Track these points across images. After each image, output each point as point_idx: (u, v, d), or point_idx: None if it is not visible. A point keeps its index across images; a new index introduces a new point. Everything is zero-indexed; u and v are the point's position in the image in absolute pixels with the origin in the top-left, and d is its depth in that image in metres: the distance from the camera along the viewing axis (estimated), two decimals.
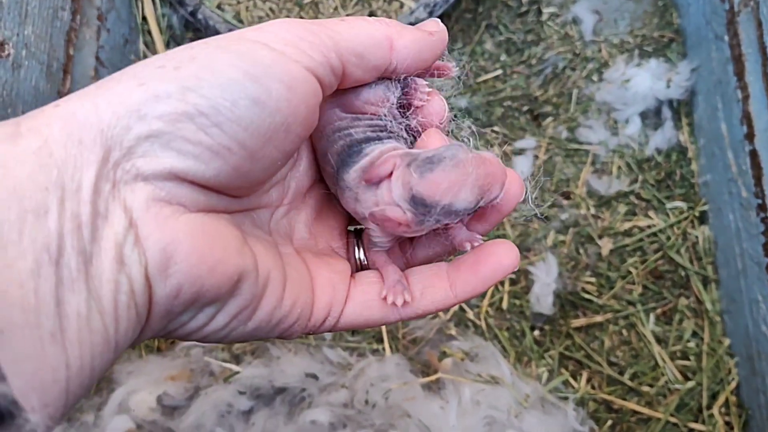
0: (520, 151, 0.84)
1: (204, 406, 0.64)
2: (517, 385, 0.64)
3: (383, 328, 0.72)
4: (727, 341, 0.76)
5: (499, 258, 0.32)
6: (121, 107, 0.26)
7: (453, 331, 0.73)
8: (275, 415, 0.65)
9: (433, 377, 0.64)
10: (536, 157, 0.84)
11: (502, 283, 0.77)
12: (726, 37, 0.74)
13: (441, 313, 0.74)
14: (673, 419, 0.73)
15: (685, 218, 0.81)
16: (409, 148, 0.33)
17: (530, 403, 0.62)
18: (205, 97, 0.27)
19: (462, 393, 0.62)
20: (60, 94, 0.65)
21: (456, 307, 0.75)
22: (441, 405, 0.62)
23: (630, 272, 0.80)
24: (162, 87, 0.26)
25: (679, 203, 0.82)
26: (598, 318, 0.78)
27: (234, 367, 0.66)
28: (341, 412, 0.66)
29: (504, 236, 0.79)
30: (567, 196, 0.82)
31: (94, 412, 0.65)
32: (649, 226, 0.81)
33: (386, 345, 0.71)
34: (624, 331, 0.78)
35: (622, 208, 0.82)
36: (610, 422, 0.73)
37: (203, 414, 0.64)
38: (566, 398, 0.69)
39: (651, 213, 0.82)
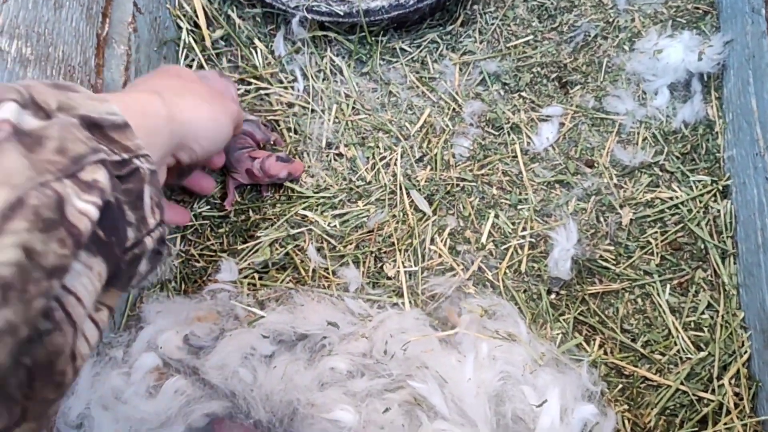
0: (546, 118, 0.84)
1: (228, 348, 0.66)
2: (533, 344, 0.66)
3: (404, 283, 0.74)
4: (741, 314, 0.77)
5: None
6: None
7: (471, 290, 0.74)
8: (296, 360, 0.68)
9: (451, 332, 0.66)
10: (562, 124, 0.84)
11: (521, 247, 0.78)
12: (763, 11, 0.74)
13: (460, 272, 0.75)
14: (683, 387, 0.74)
15: (708, 192, 0.81)
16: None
17: (545, 361, 0.64)
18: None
19: (479, 348, 0.63)
20: (99, 37, 0.66)
21: (475, 267, 0.76)
22: (458, 358, 0.64)
23: (649, 243, 0.80)
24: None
25: (702, 177, 0.82)
26: (614, 286, 0.79)
27: (258, 312, 0.68)
28: (360, 361, 0.68)
29: (526, 200, 0.80)
30: (591, 164, 0.83)
31: (123, 348, 0.67)
32: (671, 198, 0.82)
33: (406, 300, 0.73)
34: (639, 300, 0.79)
35: (645, 179, 0.82)
36: (620, 386, 0.74)
37: (227, 355, 0.66)
38: (579, 360, 0.70)
39: (674, 185, 0.82)
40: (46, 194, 0.32)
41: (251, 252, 0.75)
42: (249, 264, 0.74)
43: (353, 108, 0.83)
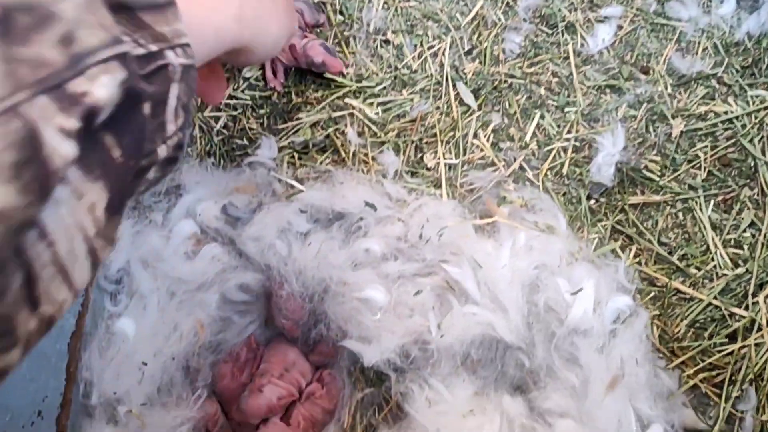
0: (604, 19, 0.81)
1: (266, 220, 0.67)
2: (571, 239, 0.65)
3: (443, 174, 0.73)
4: None
5: None
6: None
7: (511, 187, 0.73)
8: (331, 239, 0.68)
9: (490, 219, 0.65)
10: (620, 27, 0.80)
11: (564, 149, 0.77)
12: None
13: (501, 168, 0.74)
14: (716, 302, 0.74)
15: (765, 108, 0.78)
16: None
17: (582, 255, 0.63)
18: None
19: (517, 237, 0.63)
20: None
21: (516, 165, 0.75)
22: (494, 246, 0.63)
23: (697, 156, 0.78)
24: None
25: (761, 92, 0.79)
26: (656, 198, 0.77)
27: (297, 185, 0.68)
28: (394, 244, 0.68)
29: (574, 103, 0.78)
30: (646, 71, 0.79)
31: (162, 213, 0.68)
32: (725, 112, 0.78)
33: (444, 191, 0.72)
34: (680, 215, 0.77)
35: (701, 91, 0.79)
36: (652, 294, 0.74)
37: (264, 227, 0.67)
38: (614, 263, 0.69)
39: (730, 99, 0.79)
40: (10, 129, 0.25)
41: (292, 132, 0.75)
42: (289, 143, 0.74)
43: None
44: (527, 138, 0.76)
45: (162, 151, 0.35)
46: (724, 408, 0.71)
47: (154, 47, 0.32)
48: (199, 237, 0.67)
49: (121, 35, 0.30)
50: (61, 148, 0.26)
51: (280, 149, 0.74)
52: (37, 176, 0.25)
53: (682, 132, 0.78)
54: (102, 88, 0.28)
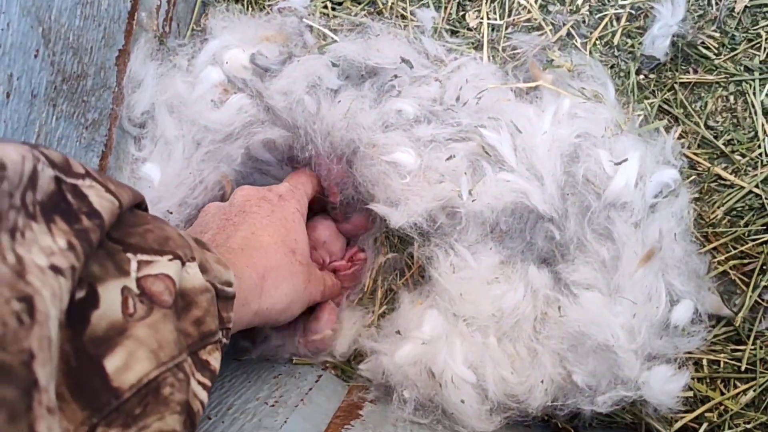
0: None
1: (295, 73, 0.63)
2: (619, 109, 0.61)
3: (485, 35, 0.68)
4: None
5: None
6: None
7: (557, 54, 0.69)
8: (362, 97, 0.65)
9: (533, 83, 0.61)
10: None
11: (618, 18, 0.71)
12: None
13: (548, 32, 0.69)
14: (756, 190, 0.71)
15: None
16: None
17: (628, 127, 0.60)
18: None
19: (561, 104, 0.59)
20: None
21: (564, 31, 0.70)
22: (536, 112, 0.60)
23: (759, 36, 0.72)
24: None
25: None
26: (709, 77, 0.72)
27: (330, 35, 0.63)
28: (429, 106, 0.64)
29: None
30: None
31: (187, 58, 0.65)
32: None
33: (485, 53, 0.68)
34: (731, 98, 0.73)
35: None
36: (692, 178, 0.71)
37: (294, 81, 0.63)
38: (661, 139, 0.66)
39: None
40: (179, 379, 0.35)
41: None
42: None
43: None
44: (579, 1, 0.71)
45: None
46: (750, 296, 0.70)
47: (221, 329, 0.44)
48: (226, 86, 0.64)
49: (220, 324, 0.43)
50: (200, 396, 0.38)
51: None
52: (191, 414, 0.37)
53: (746, 7, 0.72)
54: (215, 361, 0.40)
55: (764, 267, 0.70)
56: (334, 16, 0.68)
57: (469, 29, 0.69)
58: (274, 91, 0.64)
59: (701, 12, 0.72)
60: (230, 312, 0.45)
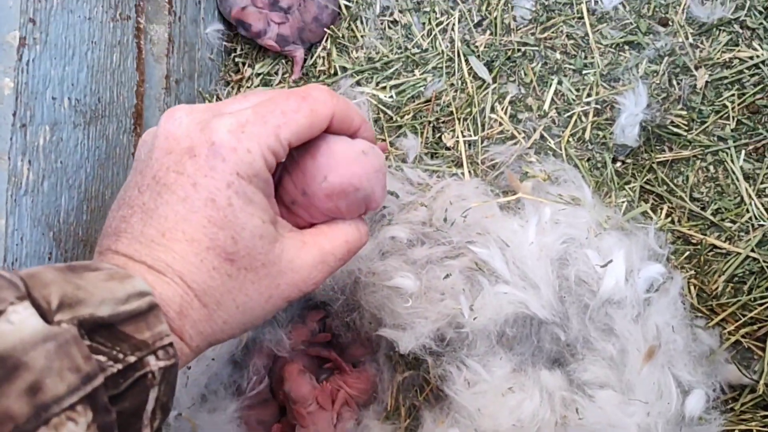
0: None
1: None
2: (598, 208, 0.64)
3: (463, 153, 0.72)
4: None
5: None
6: None
7: (533, 159, 0.72)
8: None
9: (513, 197, 0.64)
10: None
11: (585, 114, 0.75)
12: None
13: (522, 140, 0.73)
14: (753, 254, 0.72)
15: None
16: None
17: (610, 225, 0.63)
18: None
19: (542, 212, 0.62)
20: None
21: (537, 135, 0.74)
22: (520, 223, 0.63)
23: (725, 106, 0.76)
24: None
25: None
26: (685, 153, 0.75)
27: None
28: (419, 229, 0.68)
29: (592, 65, 0.76)
30: (664, 22, 0.77)
31: None
32: (750, 57, 0.75)
33: (465, 169, 0.72)
34: (711, 168, 0.76)
35: (724, 37, 0.76)
36: (687, 253, 0.73)
37: None
38: (645, 228, 0.68)
39: (755, 43, 0.76)
40: None
41: None
42: None
43: None
44: (546, 106, 0.75)
45: None
46: (767, 361, 0.70)
47: (132, 358, 0.33)
48: None
49: (93, 369, 0.30)
50: None
51: None
52: None
53: (707, 82, 0.76)
54: None
55: None
56: None
57: (447, 148, 0.73)
58: None
59: (664, 94, 0.75)
60: (157, 326, 0.34)
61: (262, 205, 0.41)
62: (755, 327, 0.71)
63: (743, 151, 0.75)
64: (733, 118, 0.75)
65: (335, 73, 0.76)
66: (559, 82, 0.76)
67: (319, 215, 0.46)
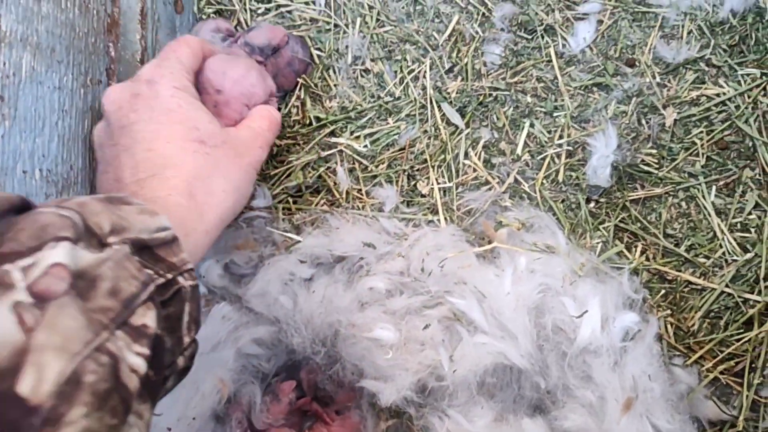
0: (583, 16, 0.79)
1: (268, 275, 0.68)
2: (572, 254, 0.65)
3: (438, 200, 0.73)
4: None
5: None
6: None
7: (508, 203, 0.73)
8: (335, 282, 0.69)
9: (488, 246, 0.65)
10: (600, 22, 0.79)
11: (558, 155, 0.76)
12: None
13: (496, 185, 0.74)
14: (728, 290, 0.73)
15: (757, 86, 0.76)
16: None
17: (585, 272, 0.63)
18: None
19: (517, 262, 0.63)
20: None
21: (511, 179, 0.75)
22: (496, 273, 0.63)
23: (694, 143, 0.77)
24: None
25: (751, 70, 0.77)
26: (657, 190, 0.76)
27: (295, 237, 0.68)
28: (398, 279, 0.68)
29: (562, 107, 0.77)
30: (631, 63, 0.78)
31: None
32: (717, 95, 0.77)
33: (441, 216, 0.72)
34: (683, 204, 0.77)
35: (690, 76, 0.78)
36: (663, 292, 0.73)
37: (268, 282, 0.68)
38: (620, 269, 0.69)
39: (721, 80, 0.78)
40: (101, 362, 0.32)
41: (284, 176, 0.75)
42: (283, 189, 0.74)
43: (377, 20, 0.80)
44: (519, 150, 0.76)
45: (180, 362, 0.42)
46: (747, 396, 0.71)
47: (170, 275, 0.40)
48: (207, 297, 0.68)
49: (148, 277, 0.38)
50: (133, 379, 0.34)
51: (275, 196, 0.74)
52: (121, 400, 0.33)
53: (675, 120, 0.77)
54: (152, 320, 0.37)
55: (753, 365, 0.72)
56: (297, 209, 0.73)
57: (423, 196, 0.74)
58: (250, 296, 0.68)
59: (634, 134, 0.77)
60: (180, 254, 0.42)
61: (201, 105, 0.57)
62: (732, 363, 0.72)
63: (714, 187, 0.76)
64: (703, 154, 0.77)
65: (310, 123, 0.77)
66: (531, 125, 0.77)
67: (236, 107, 0.63)
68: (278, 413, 0.69)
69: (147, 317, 0.36)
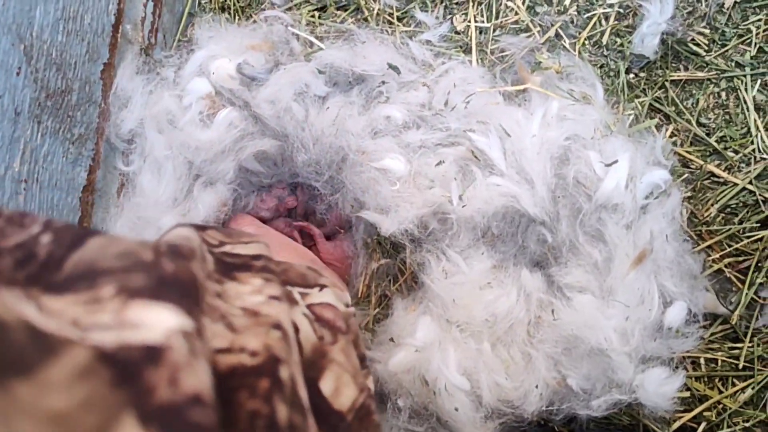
0: None
1: (282, 81, 0.63)
2: (608, 109, 0.61)
3: (473, 39, 0.68)
4: None
5: None
6: None
7: (545, 56, 0.68)
8: (350, 104, 0.64)
9: (521, 87, 0.61)
10: None
11: (606, 17, 0.71)
12: None
13: (537, 33, 0.69)
14: (750, 187, 0.70)
15: None
16: None
17: (617, 128, 0.60)
18: None
19: (549, 106, 0.59)
20: None
21: (552, 32, 0.69)
22: (525, 115, 0.60)
23: (749, 31, 0.72)
24: None
25: None
26: (700, 74, 0.72)
27: (317, 42, 0.63)
28: (417, 111, 0.64)
29: None
30: None
31: (174, 70, 0.65)
32: None
33: (474, 56, 0.68)
34: (723, 94, 0.72)
35: None
36: (684, 176, 0.70)
37: (280, 89, 0.63)
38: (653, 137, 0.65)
39: None
40: (375, 402, 0.38)
41: None
42: None
43: None
44: (567, 2, 0.70)
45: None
46: (746, 294, 0.69)
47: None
48: (213, 98, 0.63)
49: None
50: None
51: (298, 6, 0.68)
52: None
53: (735, 2, 0.72)
54: (371, 384, 0.41)
55: (759, 264, 0.70)
56: (320, 24, 0.68)
57: (457, 32, 0.69)
58: (261, 100, 0.63)
59: (690, 9, 0.71)
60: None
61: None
62: (739, 258, 0.70)
63: (759, 81, 0.72)
64: (755, 44, 0.72)
65: None
66: None
67: None
68: (269, 203, 0.67)
69: (368, 380, 0.41)
